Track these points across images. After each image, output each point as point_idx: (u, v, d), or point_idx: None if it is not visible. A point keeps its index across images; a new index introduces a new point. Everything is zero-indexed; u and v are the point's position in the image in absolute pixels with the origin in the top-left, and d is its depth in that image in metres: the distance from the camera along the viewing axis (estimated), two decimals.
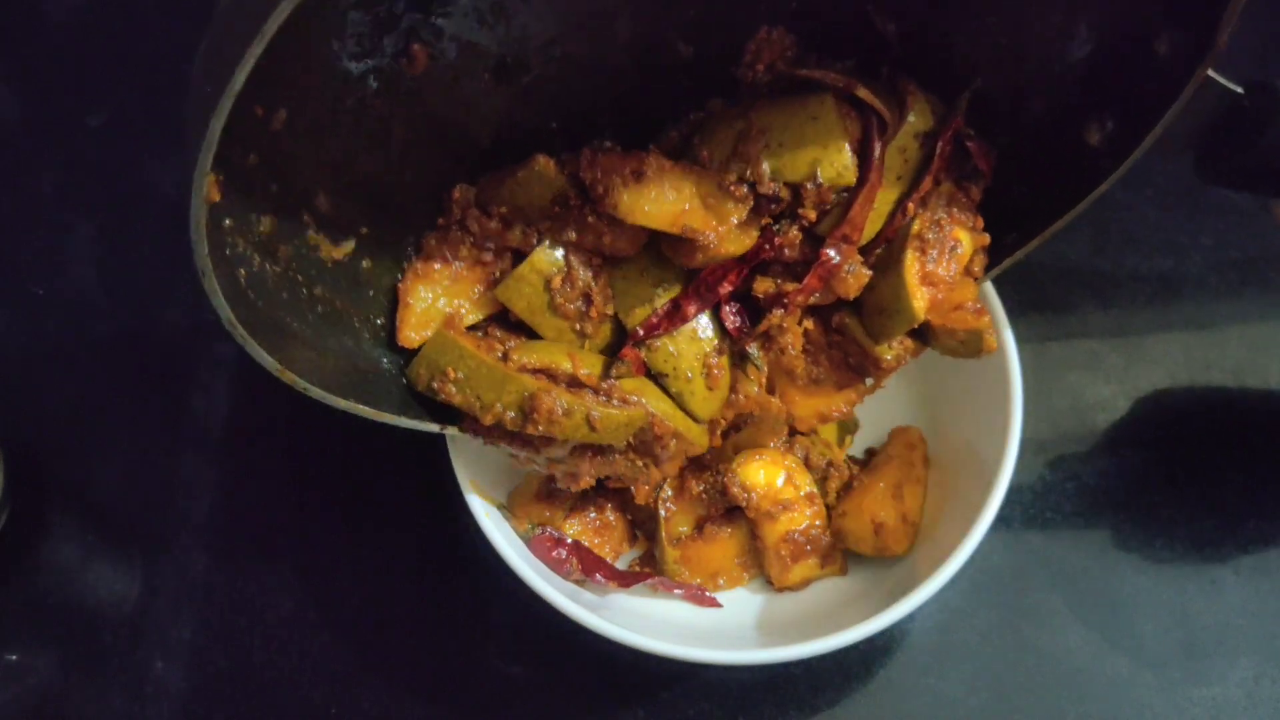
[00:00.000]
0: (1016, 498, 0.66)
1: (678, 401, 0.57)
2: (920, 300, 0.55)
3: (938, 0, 0.55)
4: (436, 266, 0.57)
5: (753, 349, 0.58)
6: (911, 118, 0.55)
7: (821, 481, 0.64)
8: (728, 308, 0.57)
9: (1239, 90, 0.52)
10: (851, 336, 0.58)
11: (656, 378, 0.57)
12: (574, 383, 0.54)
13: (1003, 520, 0.59)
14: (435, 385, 0.54)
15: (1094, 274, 0.74)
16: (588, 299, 0.56)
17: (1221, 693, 0.62)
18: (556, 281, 0.56)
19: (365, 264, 0.56)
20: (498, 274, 0.57)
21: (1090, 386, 0.71)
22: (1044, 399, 0.69)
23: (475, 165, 0.58)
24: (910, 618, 0.57)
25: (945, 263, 0.56)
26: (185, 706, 0.62)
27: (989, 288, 0.62)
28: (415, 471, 0.66)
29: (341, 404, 0.52)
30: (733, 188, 0.54)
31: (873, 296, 0.57)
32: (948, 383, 0.65)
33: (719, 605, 0.62)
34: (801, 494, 0.62)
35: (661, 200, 0.53)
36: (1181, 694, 0.62)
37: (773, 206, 0.55)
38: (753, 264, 0.56)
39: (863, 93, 0.54)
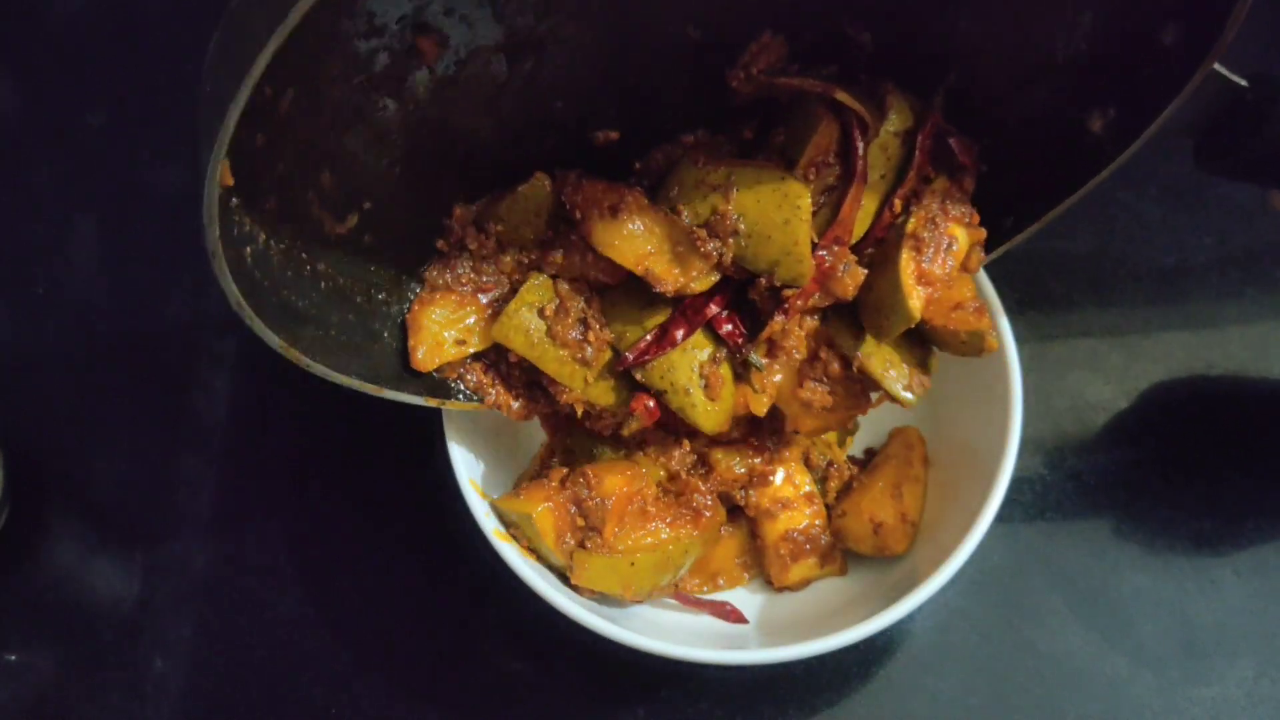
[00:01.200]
0: (1016, 497, 0.66)
1: (680, 416, 0.57)
2: (916, 300, 0.55)
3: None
4: (439, 296, 0.58)
5: (754, 356, 0.57)
6: (891, 116, 0.56)
7: (821, 481, 0.64)
8: (720, 314, 0.57)
9: (1243, 83, 0.52)
10: (874, 381, 0.57)
11: (657, 396, 0.57)
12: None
13: (1002, 520, 0.58)
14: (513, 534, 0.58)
15: (1095, 272, 0.74)
16: (584, 324, 0.56)
17: (1221, 692, 0.61)
18: (549, 310, 0.56)
19: (368, 239, 0.57)
20: (498, 296, 0.58)
21: (1091, 385, 0.70)
22: (1044, 398, 0.69)
23: (478, 172, 0.58)
24: (910, 618, 0.57)
25: (941, 260, 0.56)
26: (185, 705, 0.62)
27: (984, 281, 0.62)
28: (415, 470, 0.66)
29: (343, 380, 0.53)
30: (701, 245, 0.54)
31: (870, 296, 0.56)
32: (948, 382, 0.64)
33: (745, 621, 0.61)
34: (801, 493, 0.62)
35: (631, 239, 0.54)
36: (1181, 694, 0.61)
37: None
38: (739, 282, 0.56)
39: (842, 96, 0.54)
